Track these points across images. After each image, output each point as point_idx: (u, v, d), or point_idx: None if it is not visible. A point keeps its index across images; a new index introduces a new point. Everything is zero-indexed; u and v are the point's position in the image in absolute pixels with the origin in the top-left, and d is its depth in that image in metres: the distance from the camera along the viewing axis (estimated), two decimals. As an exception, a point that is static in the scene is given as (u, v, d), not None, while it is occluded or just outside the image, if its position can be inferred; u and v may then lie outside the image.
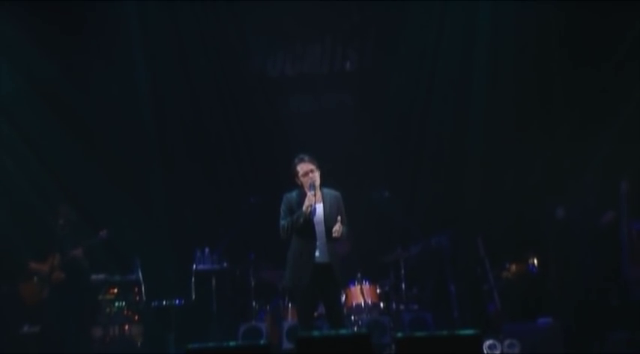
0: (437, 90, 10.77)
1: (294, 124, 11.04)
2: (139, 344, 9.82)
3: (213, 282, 9.91)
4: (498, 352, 8.84)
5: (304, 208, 7.57)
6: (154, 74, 10.96)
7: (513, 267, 9.87)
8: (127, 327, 9.92)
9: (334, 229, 7.57)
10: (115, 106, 10.89)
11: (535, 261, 9.84)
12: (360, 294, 9.44)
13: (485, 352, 8.66)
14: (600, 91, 10.00)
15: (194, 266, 9.92)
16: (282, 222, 7.72)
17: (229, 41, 11.04)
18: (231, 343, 7.30)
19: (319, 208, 7.65)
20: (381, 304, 9.57)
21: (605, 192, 9.45)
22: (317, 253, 7.63)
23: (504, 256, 9.90)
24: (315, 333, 7.46)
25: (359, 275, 9.53)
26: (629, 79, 9.92)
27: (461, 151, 10.63)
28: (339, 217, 7.62)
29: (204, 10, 10.93)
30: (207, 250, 9.99)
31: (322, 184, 7.70)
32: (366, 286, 9.47)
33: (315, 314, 8.17)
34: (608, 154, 9.70)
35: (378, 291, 9.60)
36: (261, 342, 8.30)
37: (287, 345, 9.15)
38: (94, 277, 9.92)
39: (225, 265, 9.98)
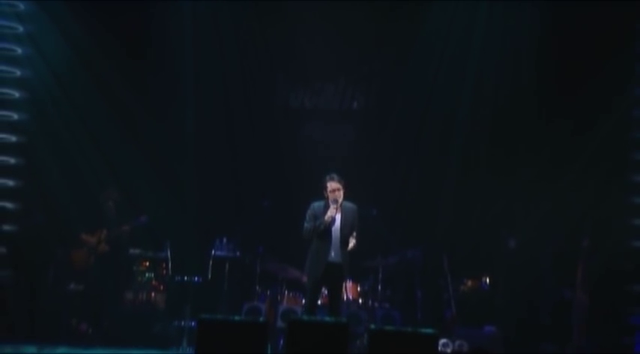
0: (424, 133, 10.90)
1: (306, 147, 11.17)
2: (161, 309, 9.93)
3: (227, 266, 9.91)
4: (450, 350, 8.95)
5: (325, 217, 7.71)
6: (199, 92, 11.02)
7: (469, 282, 9.97)
8: (153, 294, 10.03)
9: (349, 247, 7.76)
10: (163, 114, 10.98)
11: (487, 279, 9.95)
12: (344, 290, 9.51)
13: (439, 348, 8.75)
14: (559, 145, 10.20)
15: (213, 252, 9.93)
16: (306, 225, 7.82)
17: (262, 76, 11.20)
18: (236, 318, 7.42)
19: (337, 218, 7.80)
20: (360, 300, 9.66)
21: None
22: (331, 254, 7.77)
23: (463, 273, 9.99)
24: (304, 317, 7.57)
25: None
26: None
27: (438, 184, 10.76)
28: (354, 233, 7.76)
29: (245, 51, 11.09)
30: (224, 239, 10.01)
31: (343, 199, 7.86)
32: (349, 284, 9.53)
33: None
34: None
35: (358, 289, 9.69)
36: (260, 319, 8.34)
37: (280, 324, 9.25)
38: (131, 251, 10.04)
39: (238, 253, 9.99)
